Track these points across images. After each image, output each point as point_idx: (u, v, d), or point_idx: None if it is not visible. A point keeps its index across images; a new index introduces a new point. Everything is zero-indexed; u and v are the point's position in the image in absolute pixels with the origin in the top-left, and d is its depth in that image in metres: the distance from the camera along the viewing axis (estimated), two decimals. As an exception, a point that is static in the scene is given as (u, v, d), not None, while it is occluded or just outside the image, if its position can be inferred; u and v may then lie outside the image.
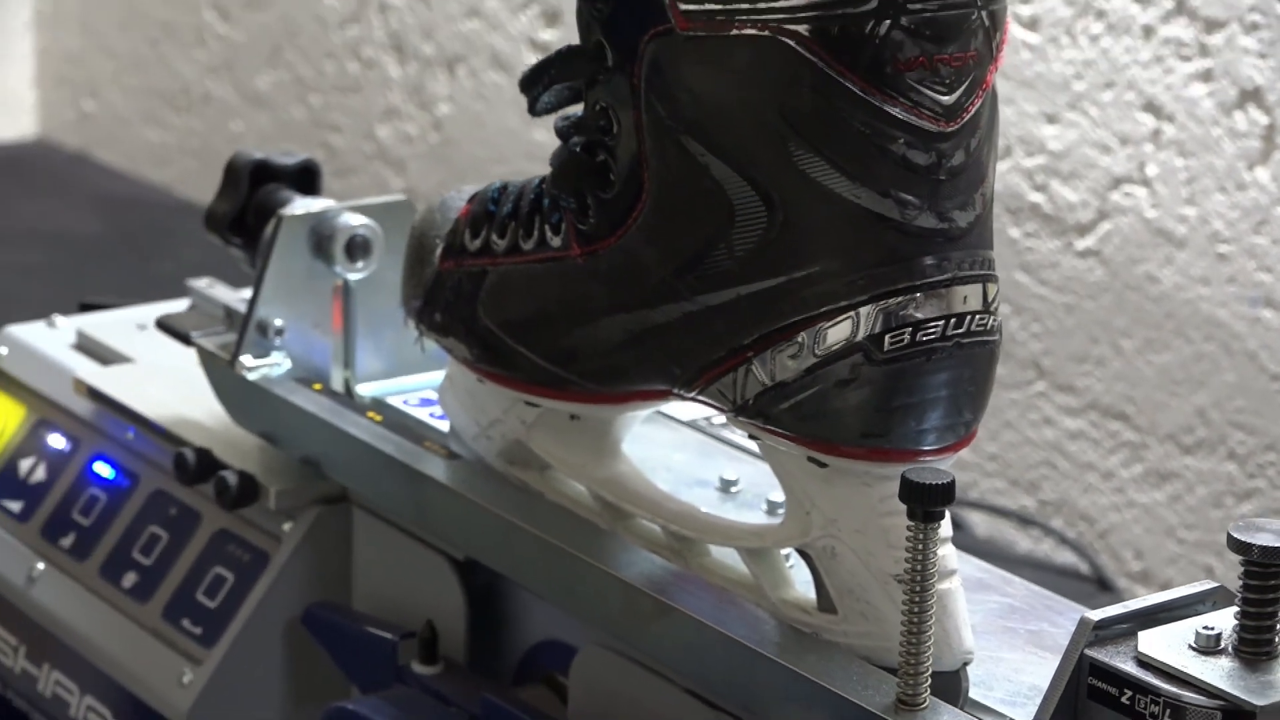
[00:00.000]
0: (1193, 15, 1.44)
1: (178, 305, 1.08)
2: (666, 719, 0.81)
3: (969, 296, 0.72)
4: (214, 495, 0.96)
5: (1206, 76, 1.44)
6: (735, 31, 0.71)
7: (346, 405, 0.95)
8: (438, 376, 0.91)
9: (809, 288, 0.72)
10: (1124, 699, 0.67)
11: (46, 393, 1.09)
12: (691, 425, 0.94)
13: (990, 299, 0.73)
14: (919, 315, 0.72)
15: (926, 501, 0.69)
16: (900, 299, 0.72)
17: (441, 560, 0.92)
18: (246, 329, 0.96)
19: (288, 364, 0.97)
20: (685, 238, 0.74)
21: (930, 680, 0.71)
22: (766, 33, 0.71)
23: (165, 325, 1.05)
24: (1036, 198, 1.54)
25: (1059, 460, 1.56)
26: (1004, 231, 1.55)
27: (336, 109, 2.13)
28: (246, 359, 0.97)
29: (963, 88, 0.71)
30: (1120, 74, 1.48)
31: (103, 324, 1.13)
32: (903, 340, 0.71)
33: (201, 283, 1.07)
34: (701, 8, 0.72)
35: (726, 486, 0.87)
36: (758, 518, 0.84)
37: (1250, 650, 0.67)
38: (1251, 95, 1.42)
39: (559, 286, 0.79)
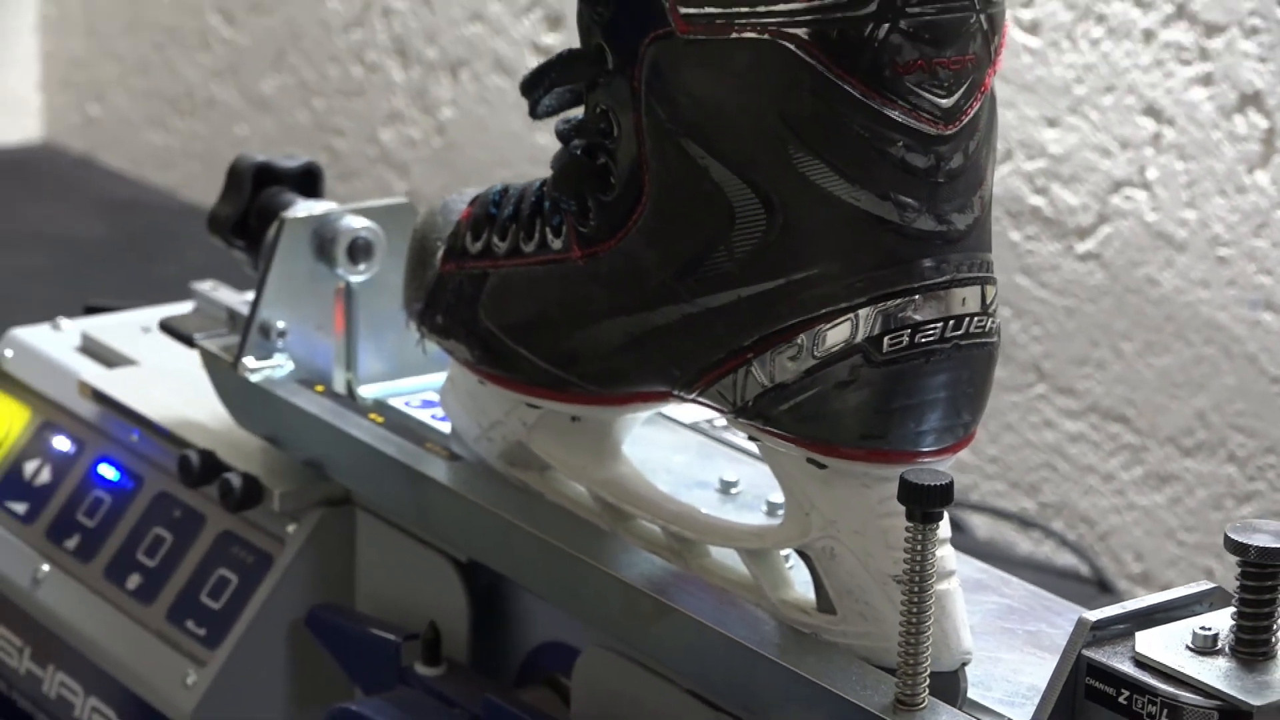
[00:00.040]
0: (1193, 19, 1.44)
1: (182, 308, 1.09)
2: (668, 720, 0.81)
3: (967, 298, 0.72)
4: (218, 497, 0.96)
5: (1207, 80, 1.44)
6: (735, 35, 0.71)
7: (348, 407, 0.95)
8: (439, 378, 0.91)
9: (808, 290, 0.72)
10: (1121, 699, 0.68)
11: (51, 395, 1.09)
12: (692, 428, 0.94)
13: (989, 301, 0.73)
14: (918, 317, 0.72)
15: (925, 503, 0.69)
16: (899, 301, 0.72)
17: (444, 562, 0.92)
18: (249, 331, 0.97)
19: (290, 366, 0.97)
20: (685, 240, 0.75)
21: (929, 680, 0.71)
22: (766, 36, 0.71)
23: (168, 327, 1.06)
24: (1037, 201, 1.54)
25: (1059, 463, 1.57)
26: (1005, 235, 1.55)
27: (340, 113, 2.13)
28: (249, 361, 0.97)
29: (961, 91, 0.71)
30: (1121, 78, 1.48)
31: (107, 327, 1.13)
32: (901, 342, 0.72)
33: (205, 285, 1.07)
34: (701, 11, 0.72)
35: (726, 488, 0.88)
36: (757, 519, 0.85)
37: (1247, 650, 0.68)
38: (1251, 99, 1.42)
39: (559, 289, 0.79)
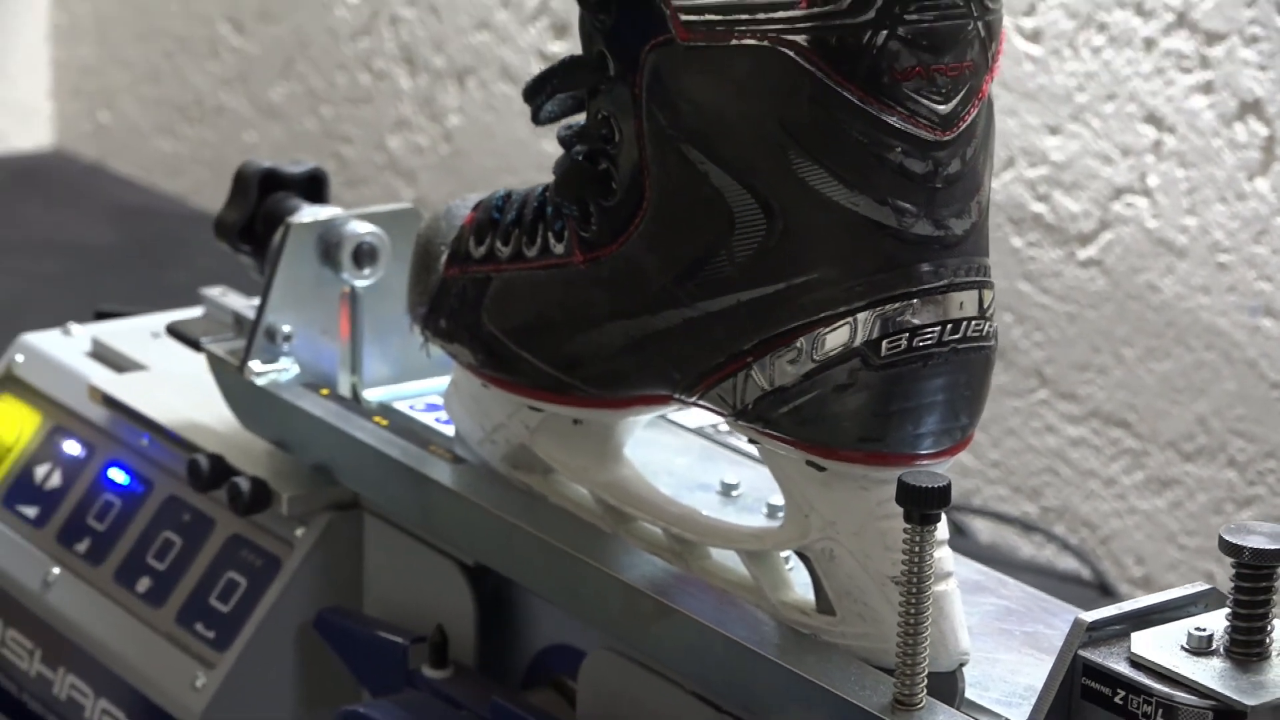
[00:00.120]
0: (1194, 28, 1.44)
1: (192, 314, 1.09)
2: (672, 722, 0.81)
3: (965, 302, 0.73)
4: (227, 501, 0.96)
5: (1207, 88, 1.44)
6: (735, 42, 0.72)
7: (353, 410, 0.95)
8: (443, 382, 0.91)
9: (808, 294, 0.73)
10: (1117, 699, 0.68)
11: (62, 400, 1.09)
12: (696, 432, 0.95)
13: (986, 305, 0.74)
14: (916, 321, 0.72)
15: (923, 505, 0.69)
16: (897, 305, 0.72)
17: (451, 565, 0.92)
18: (255, 335, 0.97)
19: (296, 369, 0.97)
20: (686, 245, 0.75)
21: (927, 681, 0.71)
22: (766, 43, 0.71)
23: (175, 331, 1.06)
24: (1039, 208, 1.54)
25: (1061, 467, 1.57)
26: (1007, 241, 1.55)
27: (348, 120, 2.14)
28: (255, 364, 0.97)
29: (959, 97, 0.72)
30: (1122, 86, 1.49)
31: (118, 332, 1.13)
32: (900, 346, 0.72)
33: (215, 291, 1.07)
34: (702, 18, 0.72)
35: (727, 490, 0.88)
36: (758, 521, 0.85)
37: (1241, 651, 0.68)
38: (1251, 107, 1.42)
39: (562, 293, 0.80)
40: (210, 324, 1.05)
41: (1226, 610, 0.69)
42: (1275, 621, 0.69)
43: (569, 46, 1.88)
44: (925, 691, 0.71)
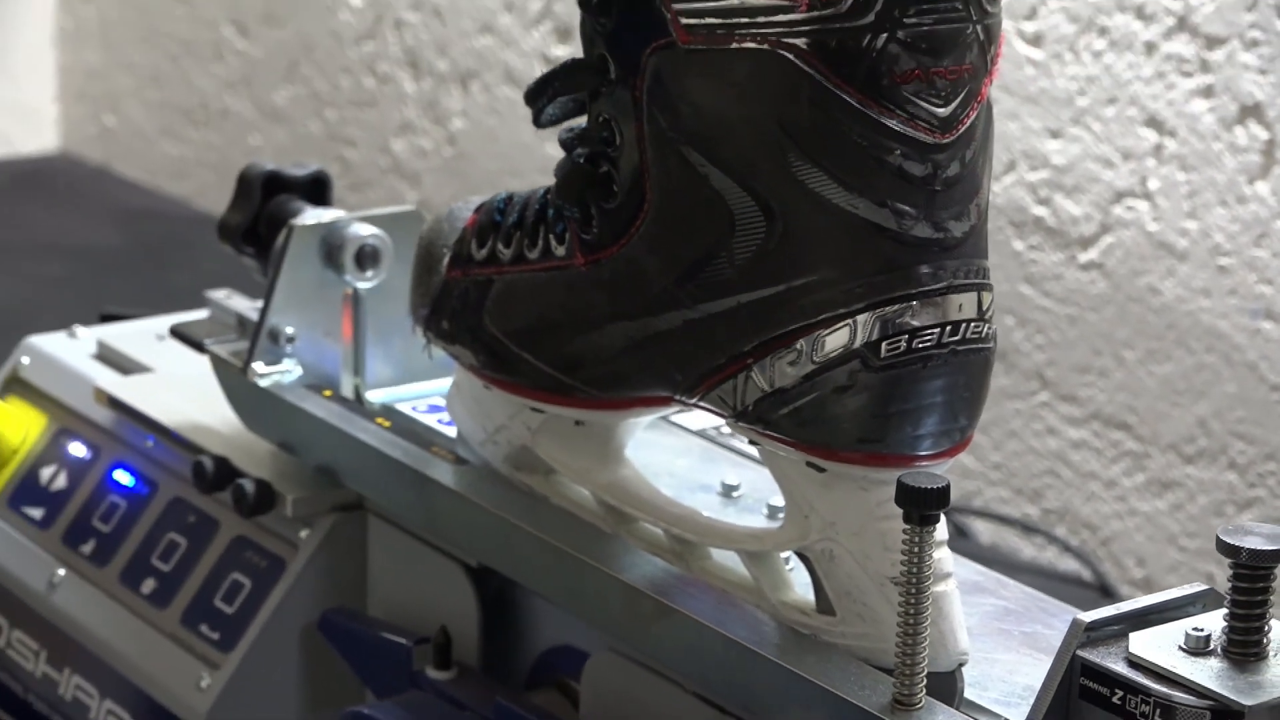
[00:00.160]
0: (1194, 32, 1.44)
1: (196, 316, 1.09)
2: (675, 724, 0.81)
3: (964, 304, 0.73)
4: (232, 503, 0.97)
5: (1208, 92, 1.44)
6: (735, 45, 0.72)
7: (356, 411, 0.95)
8: (445, 383, 0.91)
9: (807, 296, 0.73)
10: (1115, 699, 0.68)
11: (67, 402, 1.09)
12: (699, 434, 0.95)
13: (985, 307, 0.74)
14: (915, 323, 0.72)
15: (922, 505, 0.69)
16: (897, 307, 0.72)
17: (455, 567, 0.92)
18: (258, 336, 0.97)
19: (299, 371, 0.98)
20: (686, 247, 0.75)
21: (926, 681, 0.71)
22: (766, 46, 0.71)
23: (179, 333, 1.06)
24: (1040, 211, 1.54)
25: (1062, 469, 1.57)
26: (1008, 244, 1.55)
27: (352, 123, 2.14)
28: (258, 366, 0.97)
29: (958, 100, 0.72)
30: (1123, 90, 1.49)
31: (123, 334, 1.13)
32: (899, 347, 0.72)
33: (220, 294, 1.07)
34: (702, 22, 0.72)
35: (728, 491, 0.88)
36: (758, 522, 0.85)
37: (1239, 651, 0.68)
38: (1252, 111, 1.42)
39: (563, 295, 0.80)
40: (214, 326, 1.05)
41: (1224, 610, 0.69)
42: (1273, 622, 0.69)
43: (572, 50, 1.88)
44: (924, 691, 0.71)
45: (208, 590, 0.98)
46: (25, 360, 1.13)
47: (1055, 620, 0.80)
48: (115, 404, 1.06)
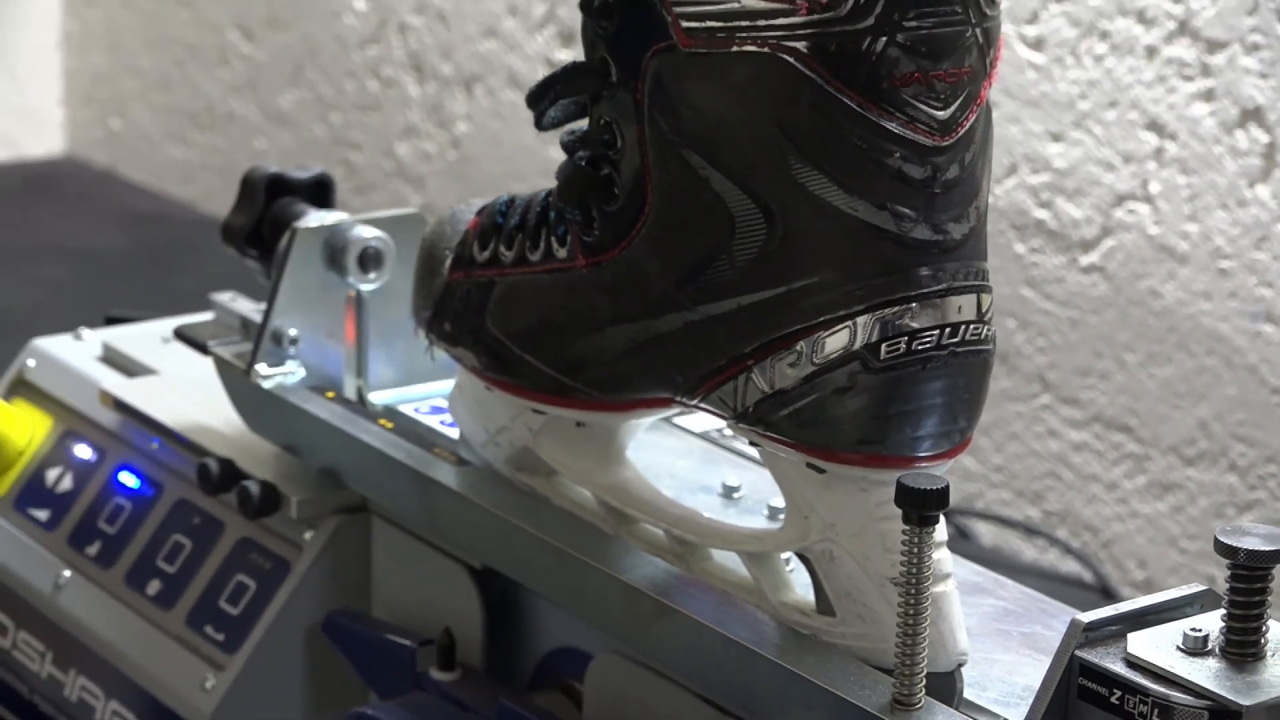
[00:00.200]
0: (1195, 36, 1.44)
1: (201, 319, 1.09)
2: (678, 725, 0.81)
3: (963, 306, 0.73)
4: (236, 505, 0.97)
5: (1208, 96, 1.44)
6: (736, 48, 0.72)
7: (359, 413, 0.95)
8: (448, 385, 0.91)
9: (808, 298, 0.73)
10: (1113, 699, 0.68)
11: (73, 404, 1.10)
12: (700, 436, 0.95)
13: (984, 309, 0.74)
14: (915, 325, 0.72)
15: (921, 506, 0.69)
16: (896, 309, 0.72)
17: (459, 568, 0.92)
18: (262, 338, 0.97)
19: (302, 373, 0.98)
20: (687, 249, 0.75)
21: (925, 681, 0.71)
22: (766, 50, 0.72)
23: (183, 335, 1.07)
24: (1041, 214, 1.54)
25: (1063, 472, 1.57)
26: (1009, 247, 1.55)
27: (357, 127, 2.15)
28: (261, 368, 0.97)
29: (957, 103, 0.72)
30: (1124, 93, 1.49)
31: (128, 337, 1.13)
32: (899, 349, 0.72)
33: (224, 297, 1.08)
34: (703, 25, 0.73)
35: (729, 492, 0.88)
36: (759, 523, 0.85)
37: (1237, 651, 0.68)
38: (1252, 114, 1.42)
39: (565, 297, 0.80)
40: (219, 328, 1.06)
41: (1222, 611, 0.69)
42: (1270, 622, 0.70)
43: (576, 54, 1.87)
44: (924, 691, 0.72)
45: (212, 592, 0.99)
46: (31, 363, 1.14)
47: (1054, 621, 0.81)
48: (120, 406, 1.06)
